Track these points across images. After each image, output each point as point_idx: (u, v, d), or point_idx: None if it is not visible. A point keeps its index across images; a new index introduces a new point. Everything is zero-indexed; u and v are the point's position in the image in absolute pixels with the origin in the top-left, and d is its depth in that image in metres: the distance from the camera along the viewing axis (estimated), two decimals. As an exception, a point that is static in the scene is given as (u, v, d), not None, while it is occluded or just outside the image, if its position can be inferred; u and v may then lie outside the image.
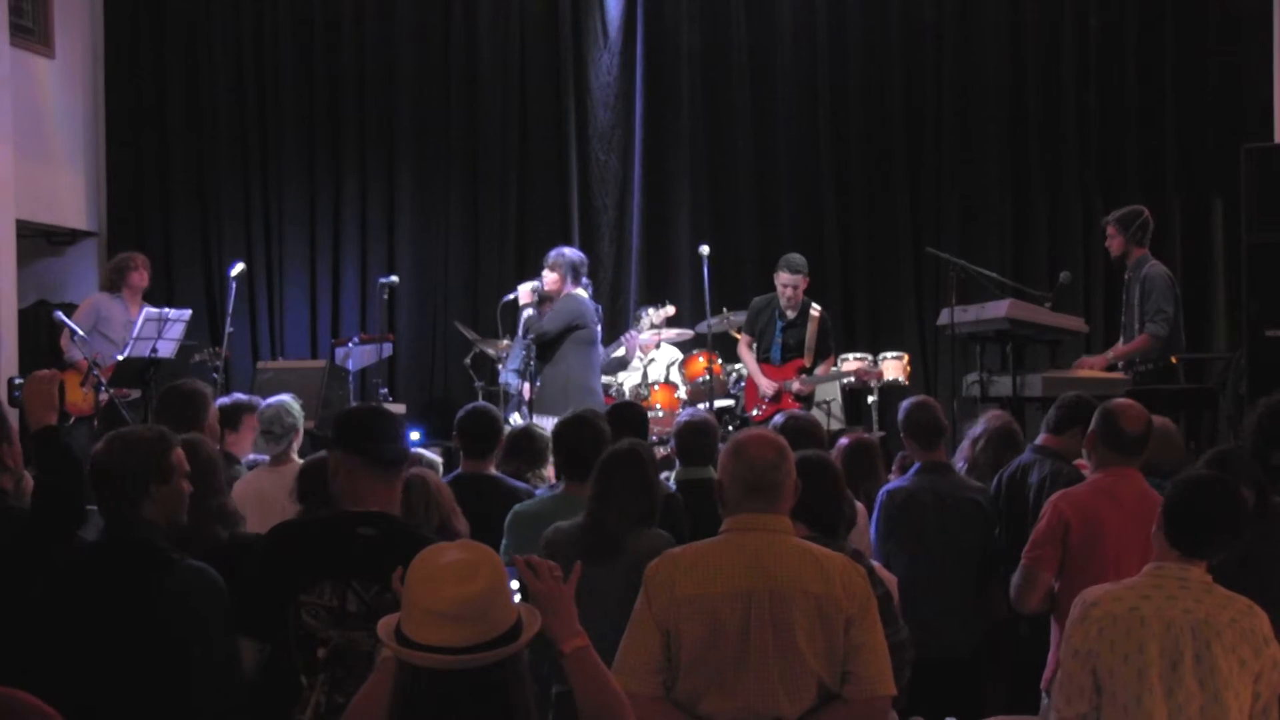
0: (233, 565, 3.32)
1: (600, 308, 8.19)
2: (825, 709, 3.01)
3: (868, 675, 3.01)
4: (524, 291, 7.84)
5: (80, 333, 7.73)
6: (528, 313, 7.81)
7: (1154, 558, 3.22)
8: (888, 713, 3.09)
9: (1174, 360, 7.48)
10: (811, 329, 8.28)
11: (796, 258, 8.26)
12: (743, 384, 8.85)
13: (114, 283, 8.30)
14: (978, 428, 5.33)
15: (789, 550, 3.07)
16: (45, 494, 3.36)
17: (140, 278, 8.30)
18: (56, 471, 3.38)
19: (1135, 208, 7.62)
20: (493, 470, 5.01)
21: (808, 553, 3.10)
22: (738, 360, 8.98)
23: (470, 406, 5.16)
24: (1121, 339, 7.65)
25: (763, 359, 8.35)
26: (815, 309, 8.35)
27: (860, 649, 3.01)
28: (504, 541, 4.23)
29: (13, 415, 5.00)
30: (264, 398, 5.76)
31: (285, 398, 5.75)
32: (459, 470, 5.04)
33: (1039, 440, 5.00)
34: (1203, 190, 9.69)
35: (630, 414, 5.31)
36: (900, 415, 5.09)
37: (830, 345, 8.44)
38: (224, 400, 5.53)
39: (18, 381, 5.53)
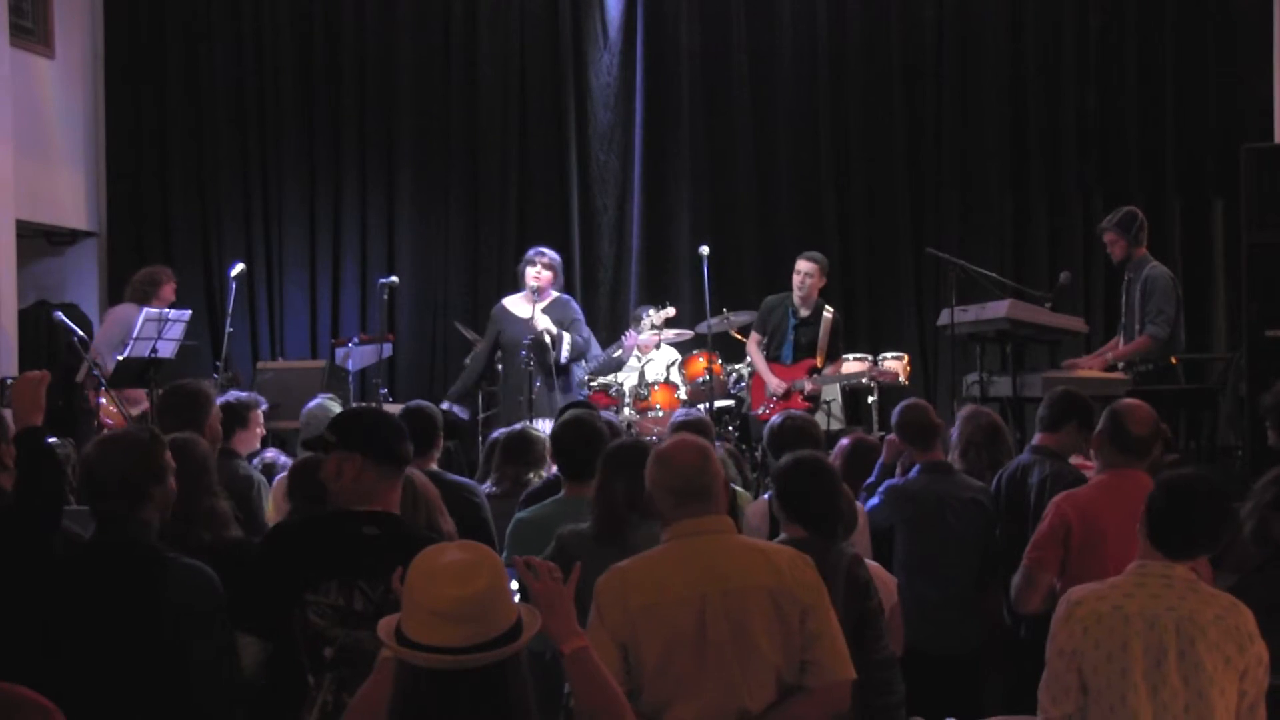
0: (224, 566, 3.32)
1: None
2: (789, 700, 3.03)
3: (827, 662, 3.04)
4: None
5: (80, 333, 7.72)
6: (544, 321, 7.79)
7: (1138, 556, 3.22)
8: (849, 698, 3.10)
9: (1174, 361, 7.47)
10: (825, 329, 8.29)
11: (816, 253, 8.37)
12: (743, 384, 8.85)
13: (145, 294, 8.18)
14: (955, 432, 5.26)
15: (736, 548, 3.10)
16: (25, 495, 3.36)
17: (171, 291, 8.25)
18: (38, 473, 3.37)
19: (1129, 210, 7.64)
20: (434, 466, 5.01)
21: (755, 548, 3.14)
22: (738, 360, 8.99)
23: (410, 404, 5.16)
24: (1121, 339, 7.65)
25: (772, 358, 8.35)
26: (829, 310, 8.37)
27: (818, 637, 3.04)
28: (505, 553, 4.21)
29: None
30: (244, 392, 5.81)
31: (322, 399, 5.84)
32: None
33: (1035, 440, 5.00)
34: (1203, 190, 9.69)
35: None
36: (895, 417, 5.10)
37: (840, 348, 8.45)
38: (228, 397, 5.55)
39: (9, 381, 5.57)
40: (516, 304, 7.95)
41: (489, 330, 8.07)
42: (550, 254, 8.01)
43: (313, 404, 6.11)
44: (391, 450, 3.25)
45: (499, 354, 8.10)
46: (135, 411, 7.39)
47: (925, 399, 5.90)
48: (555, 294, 7.96)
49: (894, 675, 3.55)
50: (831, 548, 3.52)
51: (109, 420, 7.56)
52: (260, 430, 5.68)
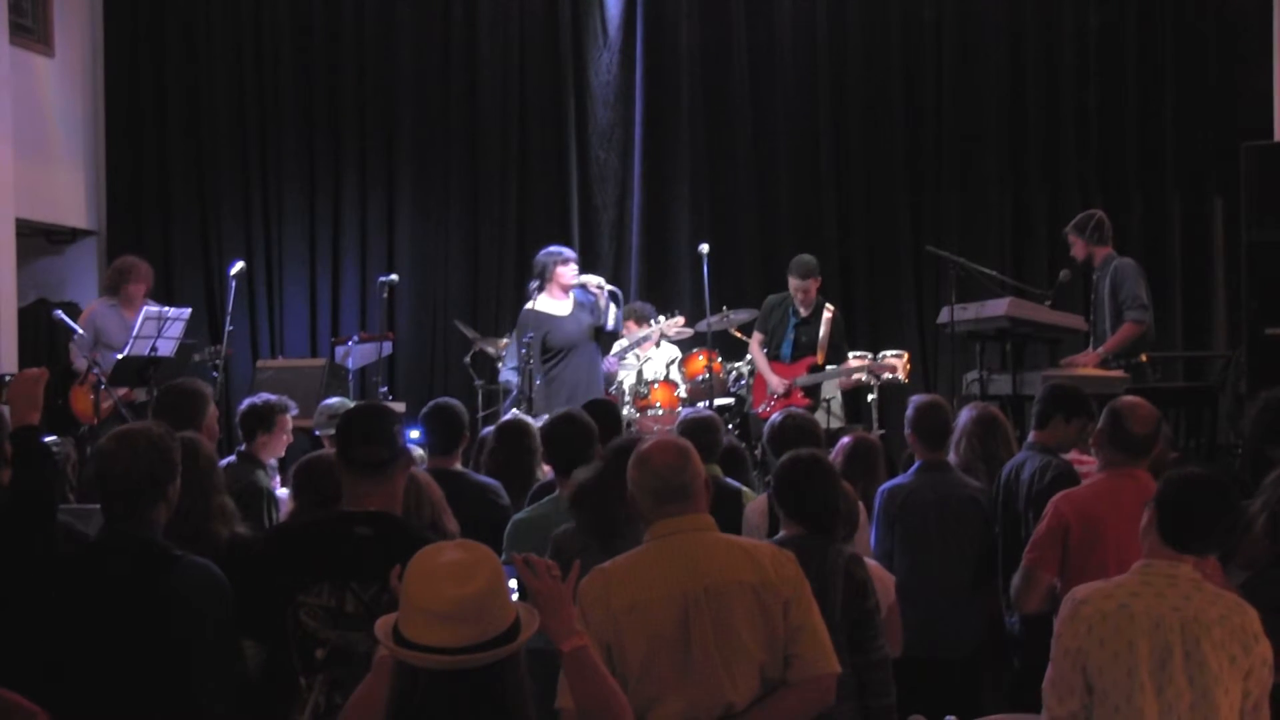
0: (234, 563, 3.33)
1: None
2: (773, 695, 3.04)
3: (810, 655, 3.05)
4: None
5: (80, 331, 7.72)
6: (596, 279, 7.99)
7: (1143, 555, 3.22)
8: (834, 690, 3.11)
9: (1144, 358, 7.46)
10: (825, 327, 8.30)
11: (805, 261, 8.30)
12: (742, 382, 8.88)
13: (114, 286, 8.15)
14: (955, 429, 5.26)
15: (717, 545, 3.10)
16: (19, 494, 3.36)
17: (138, 289, 8.05)
18: (34, 472, 3.37)
19: (1088, 212, 7.77)
20: (458, 466, 5.00)
21: (736, 545, 3.15)
22: (737, 359, 9.00)
23: (434, 402, 5.12)
24: (1091, 341, 7.63)
25: (773, 356, 8.37)
26: (829, 308, 8.38)
27: (801, 630, 3.05)
28: (503, 556, 4.20)
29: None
30: (274, 395, 5.79)
31: (342, 398, 6.01)
32: (424, 466, 4.99)
33: (1030, 437, 5.01)
34: (1203, 190, 9.69)
35: (605, 411, 5.25)
36: (910, 412, 5.06)
37: (844, 348, 8.45)
38: (255, 400, 5.51)
39: (7, 378, 5.59)
40: (549, 304, 7.83)
41: (524, 335, 7.72)
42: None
43: (332, 400, 6.38)
44: (360, 456, 3.22)
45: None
46: (107, 405, 7.40)
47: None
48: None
49: (889, 676, 3.56)
50: (830, 547, 3.52)
51: (82, 418, 7.57)
52: (288, 437, 5.54)
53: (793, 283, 8.24)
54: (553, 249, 8.06)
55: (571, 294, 7.85)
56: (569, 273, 7.84)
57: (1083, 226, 7.59)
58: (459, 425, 4.97)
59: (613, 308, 7.87)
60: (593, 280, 7.91)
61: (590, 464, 3.98)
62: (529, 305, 7.85)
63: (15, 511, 3.34)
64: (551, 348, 7.75)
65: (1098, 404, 4.74)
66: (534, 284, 8.06)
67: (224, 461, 5.18)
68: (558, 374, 7.75)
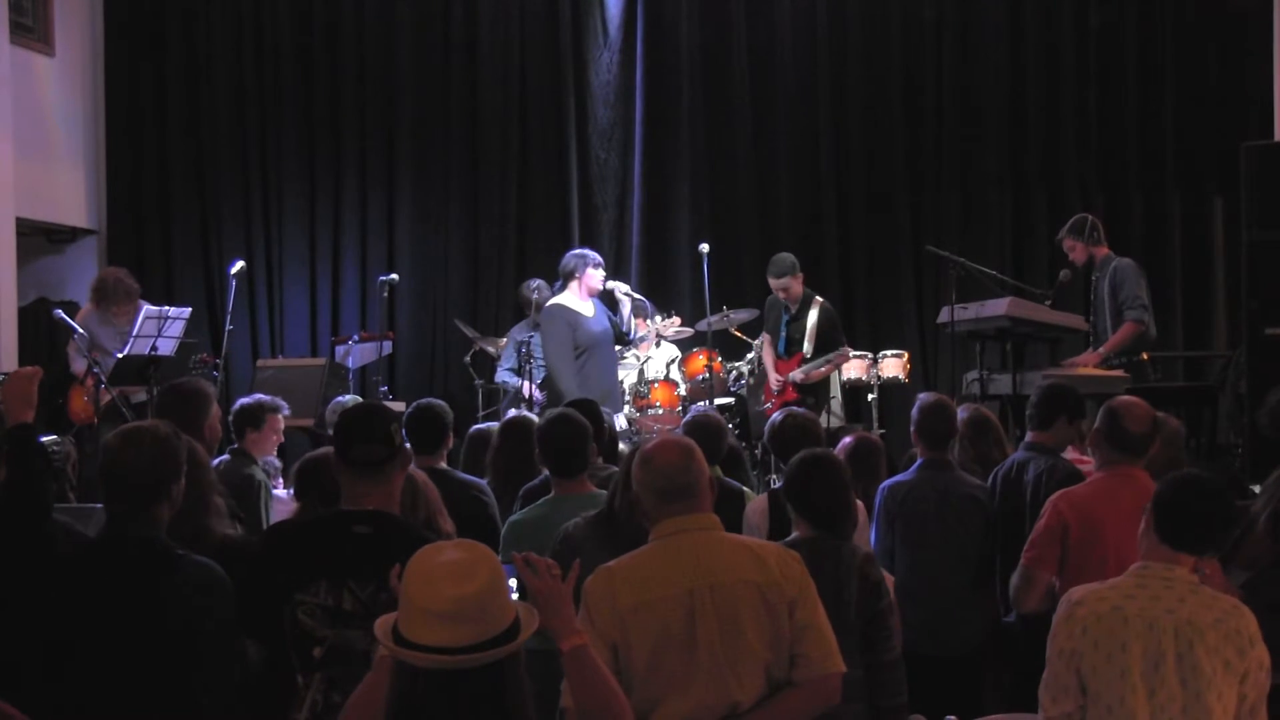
0: (230, 563, 3.33)
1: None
2: (779, 695, 3.04)
3: (816, 655, 3.05)
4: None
5: (80, 330, 7.72)
6: (623, 286, 8.13)
7: (1140, 557, 3.22)
8: (839, 690, 3.10)
9: (1145, 357, 7.45)
10: (812, 320, 8.32)
11: (778, 260, 8.33)
12: (742, 382, 8.93)
13: (97, 299, 8.09)
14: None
15: (723, 544, 3.11)
16: (14, 493, 3.36)
17: (124, 310, 7.92)
18: (28, 470, 3.37)
19: (1079, 216, 7.81)
20: (443, 464, 5.02)
21: (741, 544, 3.16)
22: (737, 358, 9.03)
23: (417, 403, 5.16)
24: (1091, 341, 7.63)
25: (776, 354, 8.42)
26: (817, 300, 8.39)
27: (806, 630, 3.05)
28: (500, 557, 4.18)
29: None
30: (267, 396, 5.83)
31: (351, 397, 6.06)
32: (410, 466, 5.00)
33: (1028, 438, 5.00)
34: (1203, 190, 9.69)
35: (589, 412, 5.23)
36: (915, 412, 5.04)
37: (839, 338, 8.44)
38: (247, 400, 5.57)
39: (1, 378, 5.60)
40: (575, 302, 7.82)
41: (559, 331, 7.70)
42: None
43: (346, 397, 6.51)
44: (357, 454, 3.22)
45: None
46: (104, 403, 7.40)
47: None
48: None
49: (902, 675, 3.55)
50: (844, 547, 3.53)
51: (75, 418, 7.56)
52: (278, 437, 5.62)
53: (771, 283, 8.31)
54: (584, 252, 8.08)
55: (592, 297, 7.89)
56: (599, 277, 7.88)
57: (1080, 229, 7.62)
58: (442, 425, 4.99)
59: (632, 318, 8.02)
60: (621, 287, 7.98)
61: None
62: (556, 300, 7.86)
63: (10, 510, 3.34)
64: (577, 345, 7.77)
65: (1096, 404, 4.74)
66: (533, 283, 8.11)
67: (220, 459, 5.24)
68: (583, 371, 7.76)
